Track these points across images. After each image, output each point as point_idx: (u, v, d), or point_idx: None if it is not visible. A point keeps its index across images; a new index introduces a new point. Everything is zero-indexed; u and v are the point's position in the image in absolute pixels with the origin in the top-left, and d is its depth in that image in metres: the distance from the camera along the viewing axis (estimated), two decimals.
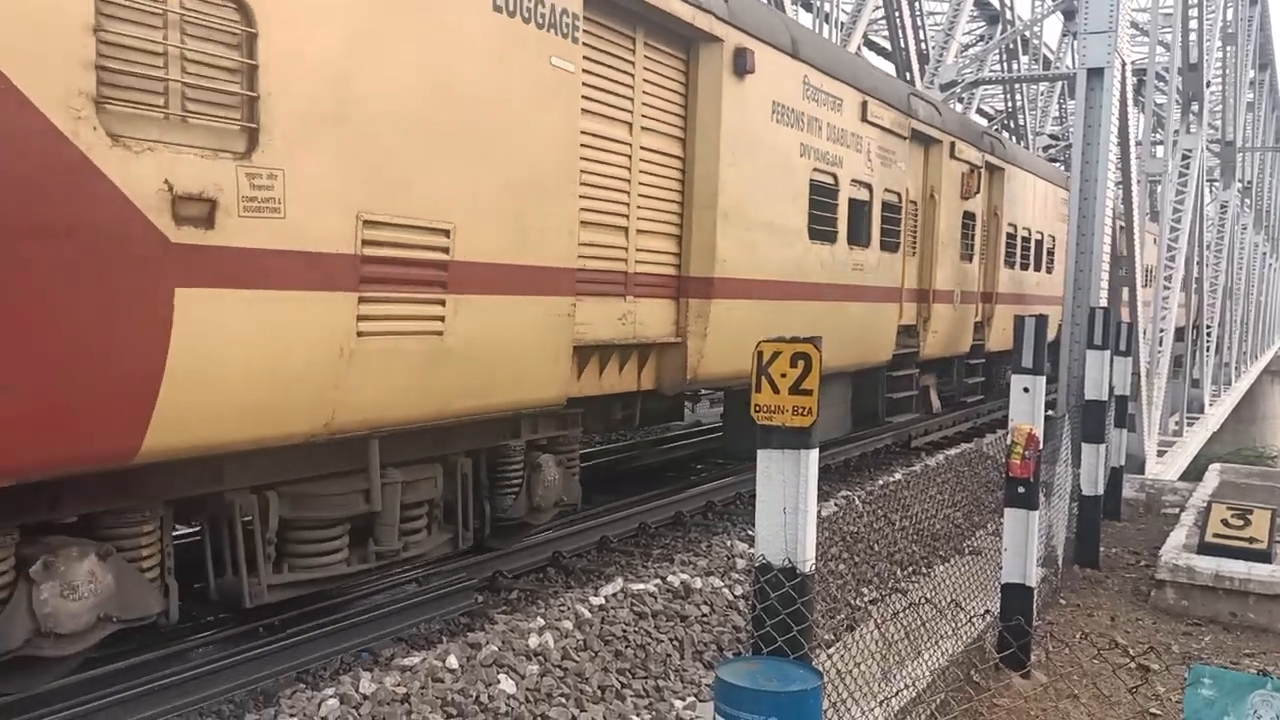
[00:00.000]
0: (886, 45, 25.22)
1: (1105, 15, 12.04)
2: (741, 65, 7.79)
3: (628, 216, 7.15)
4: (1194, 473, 17.05)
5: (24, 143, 3.69)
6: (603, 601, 5.95)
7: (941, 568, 7.28)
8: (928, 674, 4.93)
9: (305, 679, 5.34)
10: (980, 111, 32.38)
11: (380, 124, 4.99)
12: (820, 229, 9.33)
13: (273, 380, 4.57)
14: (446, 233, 5.40)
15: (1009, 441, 5.60)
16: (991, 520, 8.40)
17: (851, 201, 9.87)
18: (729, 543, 7.60)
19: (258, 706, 4.90)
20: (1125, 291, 13.57)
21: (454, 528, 6.14)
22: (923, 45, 21.35)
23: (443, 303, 5.41)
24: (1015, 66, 27.64)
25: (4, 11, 3.60)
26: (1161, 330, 16.43)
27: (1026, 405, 5.58)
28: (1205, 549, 7.62)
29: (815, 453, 3.45)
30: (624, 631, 5.70)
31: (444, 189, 5.38)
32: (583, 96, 6.42)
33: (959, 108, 21.63)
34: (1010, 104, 28.32)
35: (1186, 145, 18.78)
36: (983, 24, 30.69)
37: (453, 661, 4.93)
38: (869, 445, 12.07)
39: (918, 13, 21.55)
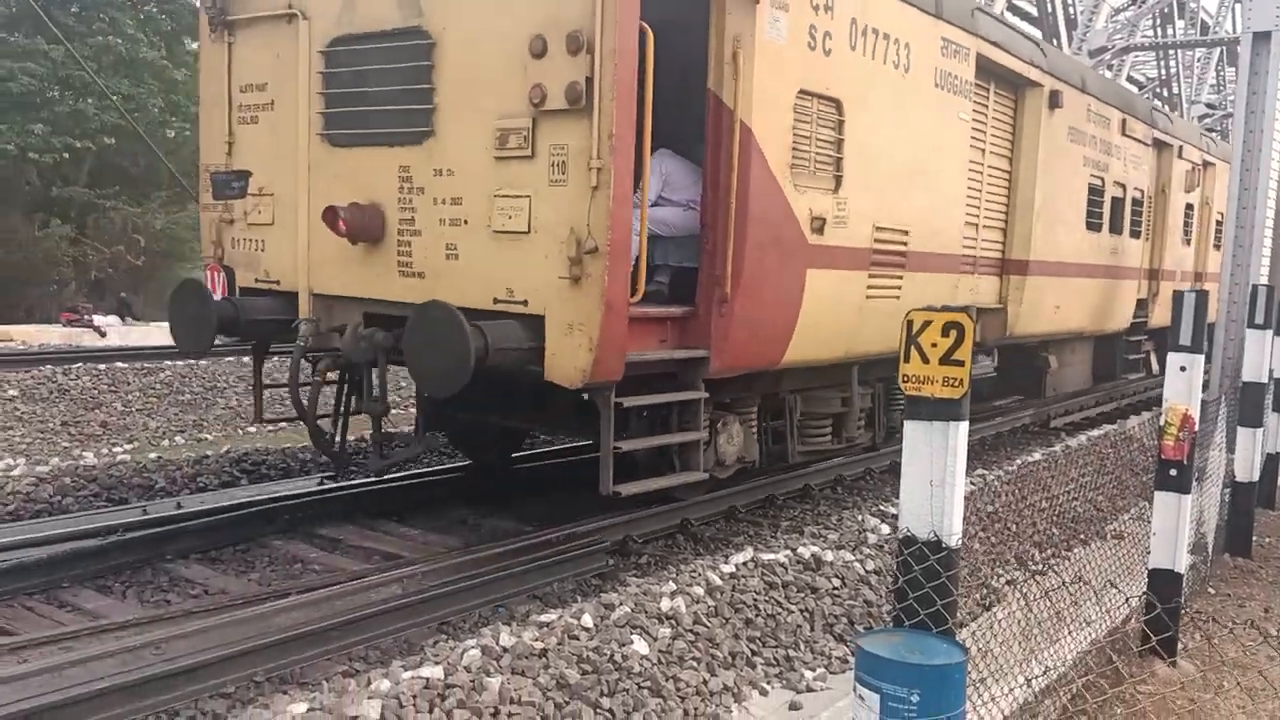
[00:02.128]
0: (1033, 10, 24.27)
1: None
2: (1054, 102, 10.35)
3: (978, 215, 9.57)
4: None
5: (771, 196, 6.58)
6: (733, 570, 5.96)
7: (1080, 551, 7.06)
8: (1070, 657, 4.80)
9: (446, 630, 5.54)
10: (1130, 79, 30.86)
11: (886, 168, 7.75)
12: (1092, 221, 11.83)
13: (833, 324, 7.37)
14: (906, 233, 8.08)
15: (1163, 422, 5.38)
16: (1135, 504, 8.08)
17: (1112, 198, 12.40)
18: (860, 517, 7.51)
19: (402, 654, 5.10)
20: None
21: (871, 431, 8.78)
22: (1070, 10, 20.47)
23: (900, 278, 8.07)
24: (1170, 31, 26.20)
25: (775, 119, 6.55)
26: None
27: (1183, 385, 5.35)
28: None
29: (965, 425, 3.38)
30: (754, 600, 5.70)
31: (906, 205, 8.05)
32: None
33: (1108, 74, 20.65)
34: (1165, 71, 26.90)
35: None
36: None
37: (588, 620, 5.02)
38: (1004, 425, 11.76)
39: None
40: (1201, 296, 5.42)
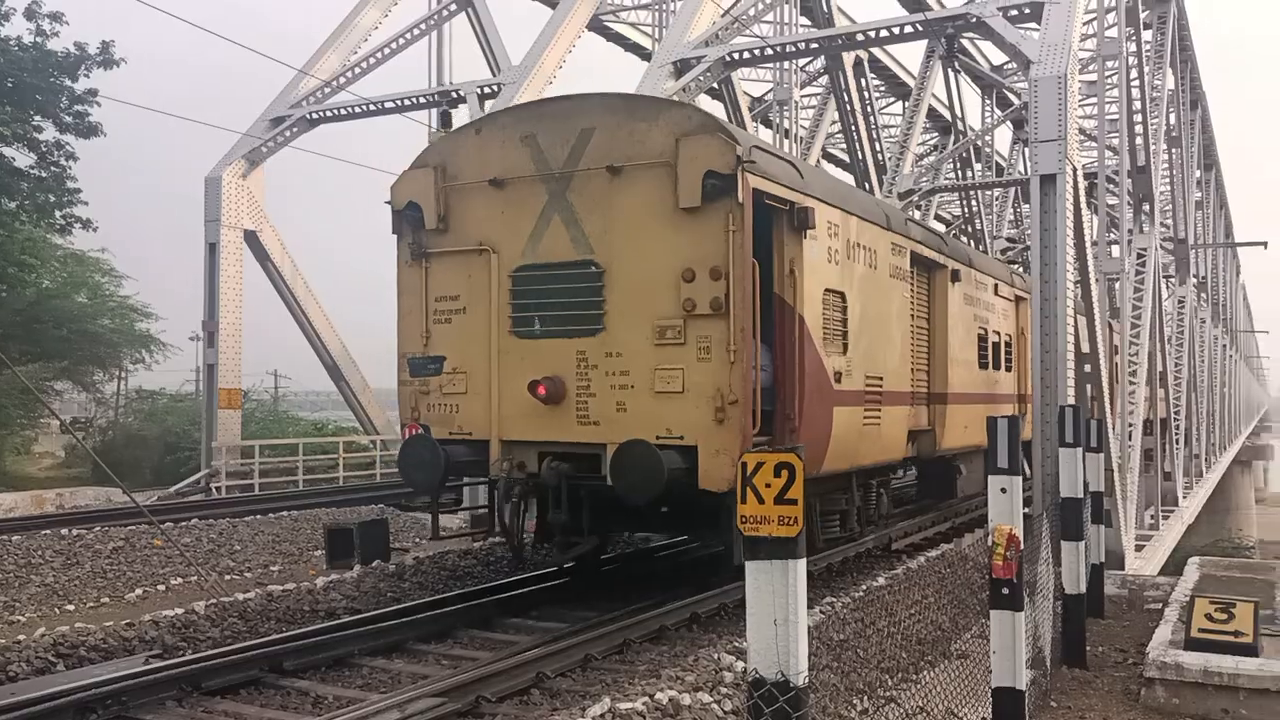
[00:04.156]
0: (844, 157, 25.97)
1: (1054, 124, 12.55)
2: (955, 278, 13.59)
3: (914, 362, 12.43)
4: (1173, 566, 17.04)
5: (816, 360, 9.43)
6: None
7: (929, 674, 7.21)
8: None
9: None
10: (938, 217, 33.20)
11: (870, 334, 10.66)
12: (982, 360, 15.17)
13: (846, 444, 10.06)
14: (881, 379, 10.98)
15: (990, 542, 5.61)
16: (976, 622, 8.34)
17: (993, 343, 15.79)
18: (715, 655, 7.48)
19: None
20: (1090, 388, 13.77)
21: (859, 526, 11.44)
22: (879, 156, 22.03)
23: (880, 410, 10.94)
24: (970, 174, 28.43)
25: (815, 309, 9.49)
26: (1130, 425, 16.64)
27: (1005, 506, 5.62)
28: (1192, 644, 7.60)
29: (803, 563, 3.47)
30: None
31: (880, 358, 11.00)
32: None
33: (917, 214, 22.20)
34: (967, 209, 29.06)
35: (1141, 244, 19.33)
36: (935, 135, 31.71)
37: None
38: (850, 550, 12.02)
39: (873, 126, 22.29)
40: (1013, 422, 5.76)
